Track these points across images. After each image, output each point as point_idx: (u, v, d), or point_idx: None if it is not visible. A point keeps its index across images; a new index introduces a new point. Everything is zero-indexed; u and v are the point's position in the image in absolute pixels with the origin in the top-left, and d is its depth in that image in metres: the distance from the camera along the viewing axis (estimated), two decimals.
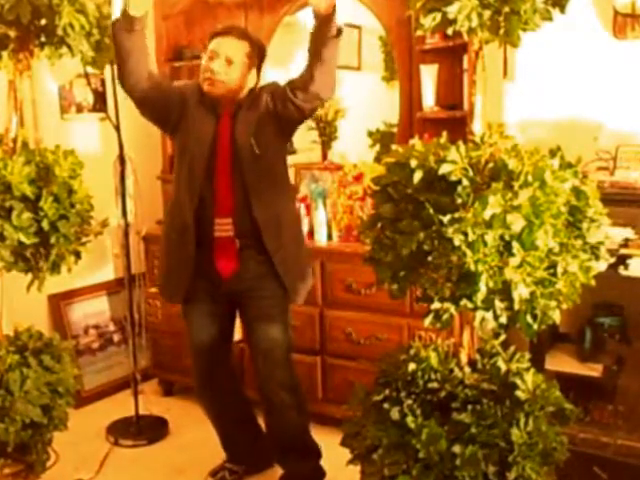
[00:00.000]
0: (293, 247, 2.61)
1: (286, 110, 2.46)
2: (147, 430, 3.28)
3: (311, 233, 3.32)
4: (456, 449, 1.82)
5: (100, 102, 3.61)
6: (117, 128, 3.20)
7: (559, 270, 1.75)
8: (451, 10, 1.80)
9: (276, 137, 2.53)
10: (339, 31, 2.33)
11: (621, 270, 2.52)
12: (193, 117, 2.53)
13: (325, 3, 2.24)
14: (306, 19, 3.51)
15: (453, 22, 1.83)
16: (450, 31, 1.86)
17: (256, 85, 2.57)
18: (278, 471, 2.84)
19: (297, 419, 2.71)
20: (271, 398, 2.65)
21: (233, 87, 2.48)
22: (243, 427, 2.86)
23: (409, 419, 1.87)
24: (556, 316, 1.81)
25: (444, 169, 1.72)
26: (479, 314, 1.77)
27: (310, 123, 3.63)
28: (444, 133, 1.88)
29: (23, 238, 2.25)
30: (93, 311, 3.77)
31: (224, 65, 2.45)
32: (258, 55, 2.54)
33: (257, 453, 2.90)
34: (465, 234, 1.66)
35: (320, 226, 3.29)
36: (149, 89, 2.46)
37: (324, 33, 2.29)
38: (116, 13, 2.34)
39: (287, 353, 2.65)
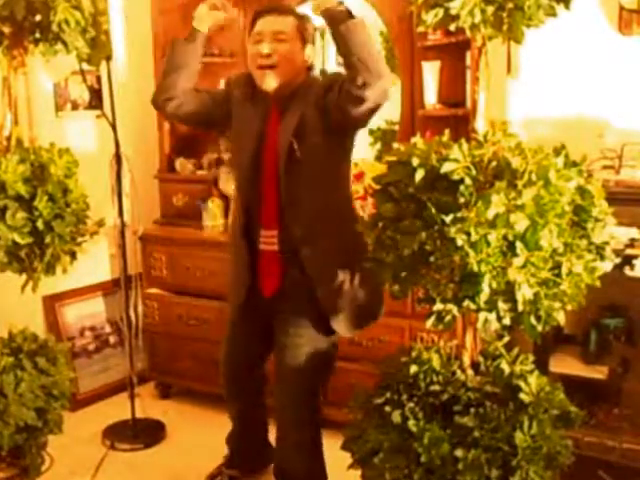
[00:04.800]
0: (347, 277, 2.29)
1: (332, 110, 2.17)
2: (144, 434, 3.25)
3: None
4: (459, 453, 1.81)
5: (96, 99, 3.58)
6: (113, 126, 3.17)
7: (563, 271, 1.74)
8: (453, 6, 1.79)
9: (326, 139, 2.22)
10: (349, 14, 2.06)
11: (627, 271, 2.51)
12: (240, 114, 2.34)
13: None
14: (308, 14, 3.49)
15: (455, 18, 1.82)
16: (452, 27, 1.85)
17: (311, 67, 2.35)
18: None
19: (310, 457, 2.49)
20: (283, 432, 2.47)
21: (289, 72, 2.24)
22: (257, 434, 2.77)
23: (411, 422, 1.87)
24: (560, 317, 1.79)
25: (446, 168, 1.71)
26: (482, 315, 1.76)
27: None
28: (446, 131, 1.87)
29: (17, 238, 2.23)
30: (89, 312, 3.74)
31: (274, 43, 2.21)
32: (307, 28, 2.29)
33: (258, 460, 2.83)
34: (468, 234, 1.66)
35: None
36: (179, 106, 2.37)
37: (335, 26, 2.05)
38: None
39: (307, 388, 2.40)
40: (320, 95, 2.22)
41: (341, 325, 2.35)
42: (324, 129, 2.22)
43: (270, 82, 2.24)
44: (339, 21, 2.05)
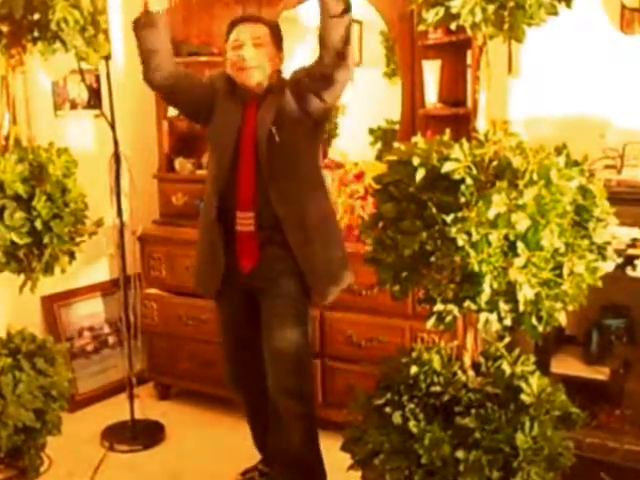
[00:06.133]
0: (320, 244, 2.50)
1: (306, 95, 2.41)
2: (143, 435, 3.24)
3: None
4: (459, 454, 1.80)
5: (95, 99, 3.57)
6: (112, 125, 3.16)
7: (565, 271, 1.73)
8: (454, 4, 1.78)
9: (302, 126, 2.46)
10: (345, 9, 2.23)
11: (628, 271, 2.50)
12: (221, 108, 2.51)
13: None
14: (305, 13, 3.48)
15: (456, 17, 1.80)
16: (453, 26, 1.84)
17: (281, 70, 2.54)
18: None
19: (303, 434, 2.54)
20: (275, 406, 2.51)
21: (267, 72, 2.45)
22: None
23: (411, 423, 1.86)
24: (562, 318, 1.78)
25: (447, 167, 1.70)
26: (483, 316, 1.75)
27: None
28: (447, 130, 1.86)
29: (16, 238, 2.23)
30: (87, 313, 3.73)
31: (253, 50, 2.43)
32: (278, 35, 2.52)
33: None
34: (469, 234, 1.65)
35: None
36: (176, 84, 2.50)
37: (327, 11, 2.22)
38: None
39: (299, 357, 2.50)
40: (292, 88, 2.44)
41: (327, 292, 2.54)
42: (299, 118, 2.44)
43: (253, 77, 2.44)
44: (332, 13, 2.23)
